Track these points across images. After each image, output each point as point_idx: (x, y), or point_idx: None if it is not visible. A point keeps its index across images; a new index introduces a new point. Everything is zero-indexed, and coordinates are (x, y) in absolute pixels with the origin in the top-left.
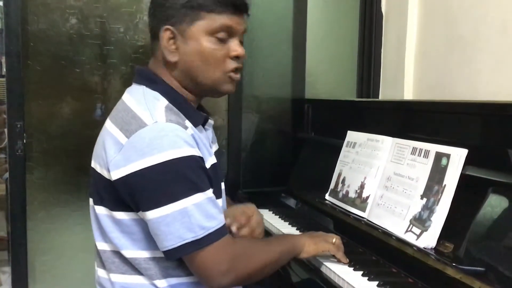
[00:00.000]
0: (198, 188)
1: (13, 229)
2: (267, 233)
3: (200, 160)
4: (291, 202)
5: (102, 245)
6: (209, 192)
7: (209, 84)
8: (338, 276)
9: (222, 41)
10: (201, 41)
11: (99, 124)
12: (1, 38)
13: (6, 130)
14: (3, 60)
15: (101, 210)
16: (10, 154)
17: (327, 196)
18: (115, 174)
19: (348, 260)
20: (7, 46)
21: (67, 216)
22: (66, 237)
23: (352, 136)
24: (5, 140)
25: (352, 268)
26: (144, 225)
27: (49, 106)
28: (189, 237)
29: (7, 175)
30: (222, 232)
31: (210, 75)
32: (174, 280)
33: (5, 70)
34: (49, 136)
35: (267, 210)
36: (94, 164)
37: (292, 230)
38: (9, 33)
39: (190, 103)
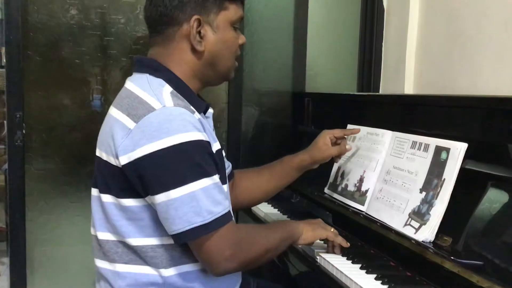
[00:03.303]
0: (205, 173)
1: (12, 220)
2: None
3: (207, 144)
4: (290, 196)
5: (105, 235)
6: (216, 178)
7: (225, 71)
8: (337, 269)
9: (236, 30)
10: (226, 31)
11: (99, 115)
12: (1, 28)
13: (5, 121)
14: (3, 51)
15: (107, 198)
16: (10, 144)
17: (326, 190)
18: (124, 159)
19: (349, 244)
20: (7, 36)
21: (66, 207)
22: (65, 228)
23: None
24: (5, 131)
25: (351, 261)
26: (152, 212)
27: (48, 97)
28: (197, 221)
29: (6, 166)
30: (227, 217)
31: (228, 63)
32: (183, 268)
33: (4, 60)
34: (48, 126)
35: (266, 203)
36: (99, 153)
37: None
38: (9, 23)
39: (193, 91)
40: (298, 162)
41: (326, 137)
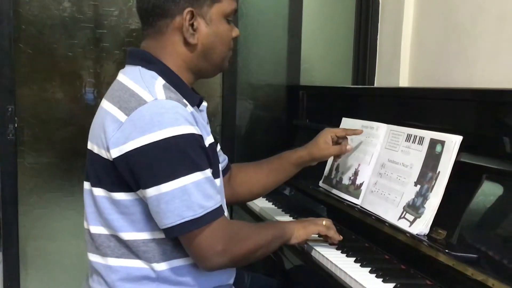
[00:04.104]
0: (197, 167)
1: (5, 214)
2: (260, 219)
3: (199, 138)
4: (285, 189)
5: (97, 229)
6: (208, 172)
7: (218, 63)
8: (331, 262)
9: (229, 22)
10: (219, 23)
11: (91, 109)
12: None
13: None
14: None
15: (99, 192)
16: (1, 138)
17: (321, 183)
18: (115, 152)
19: (341, 237)
20: None
21: (59, 201)
22: (58, 222)
23: (347, 123)
24: None
25: (345, 255)
26: (143, 206)
27: (41, 90)
28: (188, 215)
29: None
30: (219, 212)
31: (221, 55)
32: (175, 263)
33: None
34: (41, 120)
35: (261, 198)
36: (90, 146)
37: (286, 217)
38: (0, 15)
39: (186, 84)
40: (296, 158)
41: (327, 135)
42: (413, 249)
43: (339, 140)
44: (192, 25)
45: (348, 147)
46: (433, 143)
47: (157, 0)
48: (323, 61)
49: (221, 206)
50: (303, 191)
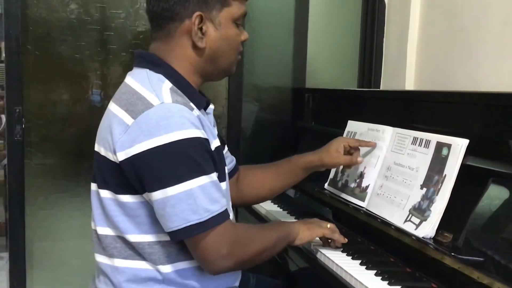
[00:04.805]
0: (203, 171)
1: (11, 214)
2: (265, 221)
3: (205, 142)
4: (290, 192)
5: (104, 230)
6: (214, 176)
7: (226, 67)
8: (337, 264)
9: (238, 26)
10: (228, 28)
11: (98, 110)
12: (1, 22)
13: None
14: (3, 45)
15: (105, 193)
16: (9, 139)
17: (326, 186)
18: (121, 155)
19: (346, 239)
20: (6, 30)
21: (65, 202)
22: (65, 223)
23: (352, 125)
24: (2, 124)
25: (351, 257)
26: (149, 208)
27: (48, 91)
28: (194, 219)
29: (5, 161)
30: (224, 216)
31: (230, 59)
32: (180, 265)
33: (4, 54)
34: (48, 121)
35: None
36: (98, 148)
37: (291, 220)
38: (9, 17)
39: (193, 87)
40: (305, 162)
41: (340, 144)
42: (418, 252)
43: (351, 150)
44: (201, 29)
45: (359, 159)
46: (439, 146)
47: (166, 3)
48: (329, 64)
49: (226, 210)
50: (309, 194)
